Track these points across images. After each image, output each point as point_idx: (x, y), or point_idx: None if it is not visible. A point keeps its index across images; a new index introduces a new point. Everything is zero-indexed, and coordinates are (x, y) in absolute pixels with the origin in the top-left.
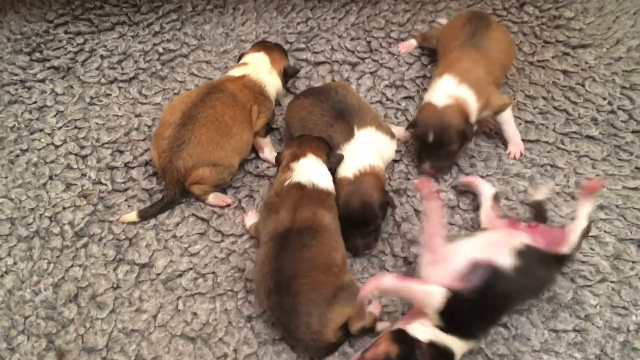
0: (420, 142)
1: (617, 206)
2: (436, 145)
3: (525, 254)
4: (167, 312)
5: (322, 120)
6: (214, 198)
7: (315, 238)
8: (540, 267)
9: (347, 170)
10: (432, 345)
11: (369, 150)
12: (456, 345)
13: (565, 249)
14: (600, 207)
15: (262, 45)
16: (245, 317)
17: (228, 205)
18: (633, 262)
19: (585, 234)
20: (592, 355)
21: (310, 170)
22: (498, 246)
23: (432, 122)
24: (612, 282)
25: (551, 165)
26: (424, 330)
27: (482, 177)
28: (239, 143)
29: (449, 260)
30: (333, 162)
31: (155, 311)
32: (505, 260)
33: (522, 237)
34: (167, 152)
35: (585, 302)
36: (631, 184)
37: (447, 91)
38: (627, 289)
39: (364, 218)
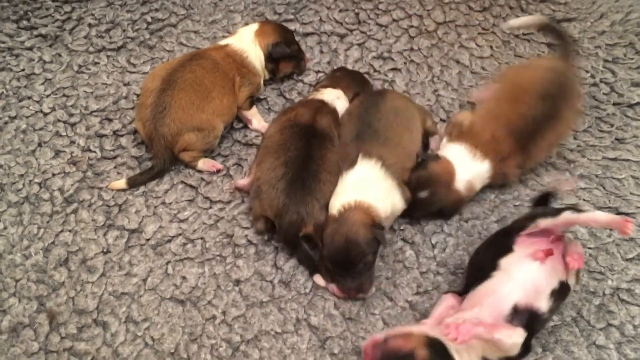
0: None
1: (596, 176)
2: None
3: (559, 292)
4: (157, 276)
5: (353, 128)
6: (203, 164)
7: (332, 144)
8: (564, 298)
9: (333, 206)
10: None
11: (360, 185)
12: None
13: (573, 288)
14: (581, 177)
15: (261, 20)
16: (233, 280)
17: (219, 171)
18: (610, 230)
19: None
20: (569, 318)
21: (333, 98)
22: (538, 290)
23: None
24: (589, 248)
25: None
26: (463, 356)
27: None
28: (219, 107)
29: (490, 302)
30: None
31: (145, 275)
32: (544, 305)
33: (558, 274)
34: (151, 120)
35: None
36: (611, 154)
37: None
38: (604, 255)
39: (348, 256)
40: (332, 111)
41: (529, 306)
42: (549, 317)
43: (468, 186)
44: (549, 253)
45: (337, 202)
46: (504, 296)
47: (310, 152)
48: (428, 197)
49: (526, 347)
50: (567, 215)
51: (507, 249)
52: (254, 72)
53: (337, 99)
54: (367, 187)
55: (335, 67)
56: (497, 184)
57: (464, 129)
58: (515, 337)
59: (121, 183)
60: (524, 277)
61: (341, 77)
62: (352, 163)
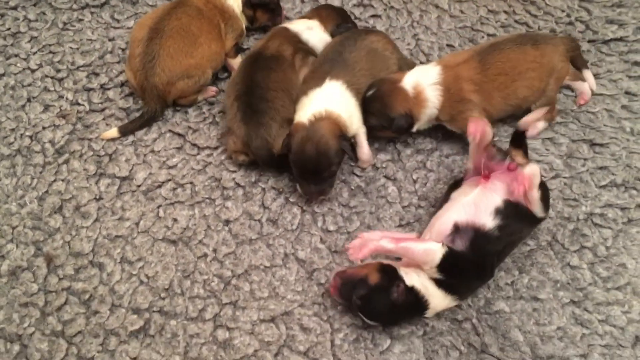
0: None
1: (572, 110)
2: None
3: (505, 210)
4: (149, 219)
5: (326, 56)
6: (200, 96)
7: (277, 64)
8: (520, 219)
9: (303, 115)
10: (412, 291)
11: (329, 98)
12: (438, 300)
13: (540, 215)
14: (557, 112)
15: None
16: (222, 221)
17: (217, 93)
18: (584, 159)
19: (544, 197)
20: (544, 242)
21: (302, 28)
22: (479, 209)
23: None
24: (564, 177)
25: None
26: (413, 277)
27: None
28: (208, 52)
29: (436, 226)
30: (340, 31)
31: (137, 219)
32: (489, 222)
33: (500, 193)
34: (141, 70)
35: None
36: None
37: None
38: (578, 183)
39: (317, 165)
40: (291, 36)
41: (470, 223)
42: (502, 237)
43: (414, 85)
44: (486, 177)
45: (308, 111)
46: (446, 218)
47: (252, 77)
48: (374, 95)
49: (484, 269)
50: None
51: (457, 185)
52: (235, 17)
53: (308, 29)
54: (333, 101)
55: None
56: (455, 111)
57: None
58: (424, 244)
59: (113, 132)
60: (464, 200)
61: (321, 9)
62: (319, 83)
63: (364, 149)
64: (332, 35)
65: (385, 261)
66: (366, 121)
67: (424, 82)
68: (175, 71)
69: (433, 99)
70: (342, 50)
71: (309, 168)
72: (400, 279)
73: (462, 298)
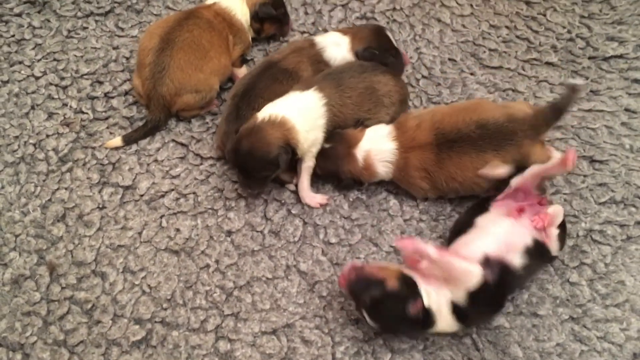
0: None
1: (572, 126)
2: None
3: (534, 250)
4: (152, 229)
5: (330, 70)
6: (203, 111)
7: (286, 78)
8: (540, 258)
9: (264, 111)
10: (426, 311)
11: (298, 106)
12: (445, 324)
13: (554, 253)
14: (557, 128)
15: None
16: (225, 231)
17: (218, 105)
18: (584, 176)
19: (561, 237)
20: None
21: (329, 42)
22: (510, 245)
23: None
24: (565, 194)
25: (512, 90)
26: (432, 297)
27: (447, 103)
28: (217, 66)
29: (463, 252)
30: (363, 55)
31: (140, 228)
32: (517, 260)
33: (531, 232)
34: (150, 79)
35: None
36: (586, 106)
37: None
38: (577, 200)
39: (244, 163)
40: (314, 54)
41: (500, 258)
42: (524, 276)
43: (365, 156)
44: (521, 209)
45: (269, 110)
46: (475, 247)
47: (256, 83)
48: (329, 150)
49: (497, 300)
50: (532, 167)
51: (483, 210)
52: (243, 30)
53: (334, 44)
54: (302, 111)
55: (320, 29)
56: (405, 184)
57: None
58: (469, 266)
59: (117, 141)
60: (496, 231)
61: (362, 28)
62: (304, 89)
63: (303, 184)
64: (356, 55)
65: (406, 271)
66: (319, 165)
67: (376, 156)
68: (184, 83)
69: (382, 173)
70: (345, 71)
71: (238, 163)
72: (419, 295)
73: (467, 327)
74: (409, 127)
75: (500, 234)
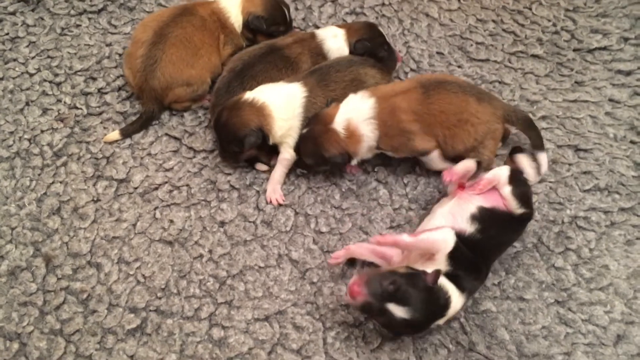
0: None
1: (557, 116)
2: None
3: (481, 215)
4: (146, 220)
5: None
6: (194, 105)
7: (287, 69)
8: (500, 222)
9: (252, 92)
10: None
11: (281, 96)
12: (455, 296)
13: (516, 211)
14: (543, 118)
15: None
16: (218, 222)
17: (210, 100)
18: (569, 164)
19: (521, 195)
20: (530, 244)
21: (327, 35)
22: (455, 216)
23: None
24: (550, 182)
25: (499, 82)
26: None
27: None
28: (208, 64)
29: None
30: (357, 47)
31: (134, 220)
32: (467, 227)
33: (477, 202)
34: (142, 71)
35: None
36: (571, 96)
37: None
38: (563, 188)
39: (218, 133)
40: (314, 48)
41: (451, 227)
42: (483, 238)
43: (346, 125)
44: (461, 187)
45: (256, 92)
46: (430, 225)
47: (254, 64)
48: (307, 133)
49: (479, 269)
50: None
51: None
52: (235, 33)
53: (333, 36)
54: (283, 101)
55: (310, 24)
56: (396, 143)
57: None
58: (439, 232)
59: (114, 135)
60: (442, 210)
61: (356, 23)
62: (293, 80)
63: (274, 174)
64: (351, 47)
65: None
66: (302, 160)
67: (357, 118)
68: (175, 77)
69: (369, 134)
70: (333, 66)
71: (216, 132)
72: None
73: (468, 296)
74: (384, 86)
75: (446, 210)
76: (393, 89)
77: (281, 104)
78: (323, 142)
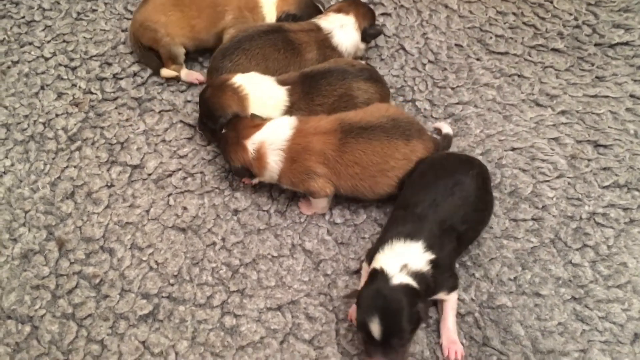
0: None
1: (577, 111)
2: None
3: None
4: (159, 207)
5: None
6: (186, 76)
7: (287, 52)
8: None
9: (240, 76)
10: None
11: (264, 96)
12: None
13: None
14: (562, 113)
15: None
16: (232, 210)
17: (201, 83)
18: (589, 160)
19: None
20: (547, 240)
21: (335, 25)
22: None
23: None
24: (568, 177)
25: (518, 75)
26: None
27: (452, 88)
28: (182, 23)
29: None
30: (369, 33)
31: (148, 206)
32: None
33: None
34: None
35: (543, 195)
36: (591, 91)
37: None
38: (581, 183)
39: (200, 106)
40: (322, 40)
41: None
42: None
43: (258, 147)
44: None
45: (245, 79)
46: None
47: (256, 40)
48: (223, 135)
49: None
50: None
51: None
52: (253, 20)
53: (341, 27)
54: (266, 101)
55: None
56: (296, 179)
57: None
58: None
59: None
60: None
61: (359, 4)
62: (283, 82)
63: None
64: (363, 36)
65: None
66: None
67: (269, 145)
68: (146, 17)
69: (273, 165)
70: (326, 76)
71: (199, 102)
72: None
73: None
74: (310, 117)
75: None
76: (315, 127)
77: (261, 103)
78: (231, 152)
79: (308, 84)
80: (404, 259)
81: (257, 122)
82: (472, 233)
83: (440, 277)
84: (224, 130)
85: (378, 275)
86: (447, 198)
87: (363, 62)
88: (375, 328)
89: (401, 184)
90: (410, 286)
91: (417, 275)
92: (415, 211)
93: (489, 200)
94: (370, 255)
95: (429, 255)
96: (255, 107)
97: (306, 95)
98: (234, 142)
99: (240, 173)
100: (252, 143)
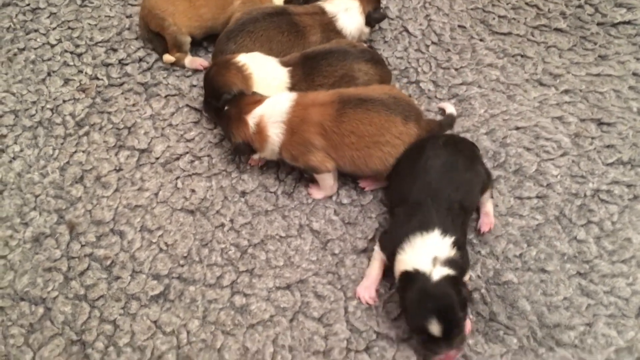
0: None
1: (580, 90)
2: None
3: None
4: (167, 190)
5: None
6: (190, 62)
7: (291, 34)
8: None
9: (245, 55)
10: None
11: (267, 77)
12: None
13: None
14: (565, 92)
15: None
16: (239, 192)
17: (205, 68)
18: (592, 138)
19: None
20: (552, 217)
21: (339, 9)
22: None
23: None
24: (572, 155)
25: (521, 55)
26: None
27: (456, 69)
28: (190, 11)
29: None
30: (373, 17)
31: (156, 189)
32: None
33: None
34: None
35: (547, 173)
36: (594, 70)
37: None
38: (585, 161)
39: (204, 83)
40: (327, 23)
41: None
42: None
43: (258, 121)
44: None
45: (250, 59)
46: None
47: (258, 20)
48: (225, 112)
49: None
50: None
51: None
52: (261, 2)
53: (345, 10)
54: (269, 82)
55: None
56: (296, 152)
57: None
58: None
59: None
60: None
61: None
62: (285, 64)
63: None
64: (368, 19)
65: None
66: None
67: (269, 118)
68: (155, 4)
69: (274, 137)
70: (326, 57)
71: (203, 82)
72: None
73: None
74: (312, 92)
75: None
76: (314, 99)
77: (265, 83)
78: (232, 127)
79: (309, 65)
80: (431, 252)
81: (258, 98)
82: (471, 197)
83: (465, 255)
84: (226, 108)
85: (415, 277)
86: (434, 176)
87: (365, 44)
88: (436, 328)
89: (392, 170)
90: (450, 275)
91: (449, 263)
92: (414, 202)
93: (472, 159)
94: (385, 245)
95: (449, 239)
96: (258, 87)
97: (307, 76)
98: (236, 118)
99: (242, 149)
100: (252, 117)
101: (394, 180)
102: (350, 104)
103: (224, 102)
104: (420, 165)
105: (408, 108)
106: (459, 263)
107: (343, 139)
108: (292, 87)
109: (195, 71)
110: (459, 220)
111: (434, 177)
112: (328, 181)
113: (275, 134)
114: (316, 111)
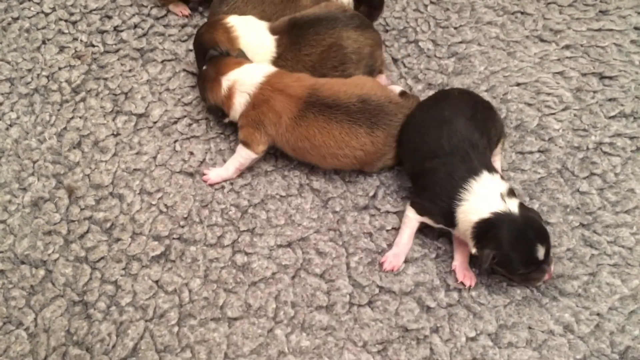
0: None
1: (581, 45)
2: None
3: None
4: (166, 153)
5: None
6: (173, 7)
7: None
8: None
9: (235, 18)
10: None
11: (253, 42)
12: None
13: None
14: (567, 47)
15: None
16: None
17: (187, 16)
18: (594, 92)
19: None
20: (554, 170)
21: None
22: None
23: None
24: (574, 109)
25: (521, 12)
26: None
27: (455, 28)
28: None
29: None
30: None
31: (155, 153)
32: None
33: None
34: None
35: (549, 127)
36: (595, 25)
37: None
38: (587, 115)
39: (194, 39)
40: None
41: None
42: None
43: (230, 85)
44: None
45: (239, 22)
46: None
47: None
48: (202, 71)
49: None
50: None
51: None
52: None
53: None
54: (254, 47)
55: None
56: (244, 122)
57: None
58: None
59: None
60: None
61: None
62: (272, 31)
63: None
64: None
65: None
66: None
67: (240, 85)
68: None
69: (237, 106)
70: (314, 25)
71: (193, 44)
72: None
73: None
74: (290, 75)
75: None
76: (286, 85)
77: (251, 49)
78: (207, 88)
79: (295, 33)
80: (495, 190)
81: (239, 60)
82: (491, 144)
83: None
84: (204, 67)
85: (498, 219)
86: (460, 124)
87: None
88: (541, 252)
89: (403, 134)
90: (520, 202)
91: (510, 193)
92: (449, 153)
93: (489, 107)
94: (426, 207)
95: (495, 175)
96: (246, 49)
97: (293, 45)
98: (212, 78)
99: (213, 111)
100: (227, 80)
101: (413, 140)
102: (314, 108)
103: (209, 59)
104: (443, 117)
105: (376, 112)
106: (513, 189)
107: (296, 142)
108: (279, 56)
109: (192, 35)
110: (488, 159)
111: (461, 125)
112: (243, 162)
113: (239, 103)
114: (281, 100)
